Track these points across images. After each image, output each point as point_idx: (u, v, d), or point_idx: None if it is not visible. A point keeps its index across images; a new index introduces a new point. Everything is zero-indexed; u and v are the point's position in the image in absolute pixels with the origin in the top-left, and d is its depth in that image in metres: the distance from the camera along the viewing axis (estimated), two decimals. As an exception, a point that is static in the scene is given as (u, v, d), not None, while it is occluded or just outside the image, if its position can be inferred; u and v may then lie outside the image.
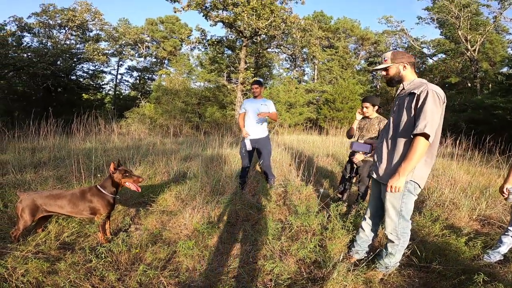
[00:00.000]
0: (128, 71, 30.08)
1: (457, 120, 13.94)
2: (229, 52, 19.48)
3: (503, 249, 2.33)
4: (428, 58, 23.78)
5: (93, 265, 1.97)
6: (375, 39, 26.17)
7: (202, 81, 21.39)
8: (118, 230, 2.61)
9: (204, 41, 16.95)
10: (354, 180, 3.47)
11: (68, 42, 20.38)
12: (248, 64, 17.35)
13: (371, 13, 52.12)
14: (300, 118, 18.22)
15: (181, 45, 27.94)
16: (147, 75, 30.24)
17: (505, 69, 18.70)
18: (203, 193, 3.34)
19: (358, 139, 3.35)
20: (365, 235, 2.19)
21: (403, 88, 1.90)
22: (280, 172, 4.70)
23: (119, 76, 29.32)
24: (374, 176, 2.00)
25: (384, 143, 1.94)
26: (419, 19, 22.91)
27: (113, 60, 27.67)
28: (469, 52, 20.13)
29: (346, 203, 3.46)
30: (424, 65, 24.18)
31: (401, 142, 1.82)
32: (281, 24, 15.19)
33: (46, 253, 2.11)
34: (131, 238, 2.38)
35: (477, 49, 20.21)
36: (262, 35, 16.57)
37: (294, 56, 26.07)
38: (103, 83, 24.90)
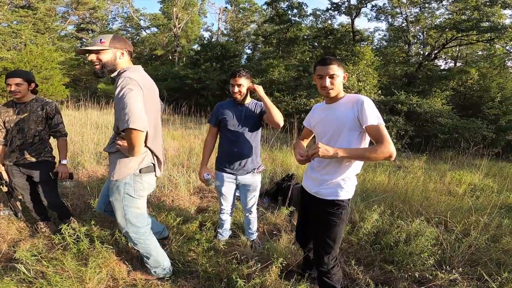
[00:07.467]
0: None
1: (160, 88, 24.75)
2: None
3: (227, 226, 2.44)
4: (143, 30, 18.27)
5: None
6: (95, 5, 22.50)
7: None
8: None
9: None
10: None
11: None
12: None
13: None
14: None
15: None
16: None
17: (195, 46, 23.86)
18: None
19: None
20: None
21: (115, 81, 1.52)
22: None
23: None
24: None
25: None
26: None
27: None
28: (175, 29, 23.46)
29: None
30: (138, 37, 18.96)
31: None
32: None
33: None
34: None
35: (181, 27, 23.81)
36: None
37: None
38: None
